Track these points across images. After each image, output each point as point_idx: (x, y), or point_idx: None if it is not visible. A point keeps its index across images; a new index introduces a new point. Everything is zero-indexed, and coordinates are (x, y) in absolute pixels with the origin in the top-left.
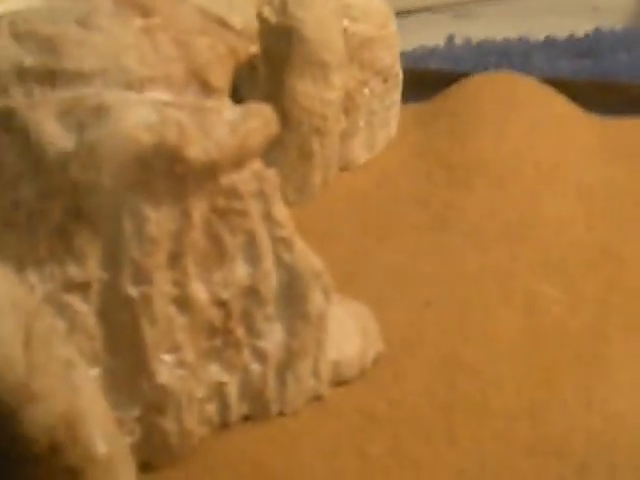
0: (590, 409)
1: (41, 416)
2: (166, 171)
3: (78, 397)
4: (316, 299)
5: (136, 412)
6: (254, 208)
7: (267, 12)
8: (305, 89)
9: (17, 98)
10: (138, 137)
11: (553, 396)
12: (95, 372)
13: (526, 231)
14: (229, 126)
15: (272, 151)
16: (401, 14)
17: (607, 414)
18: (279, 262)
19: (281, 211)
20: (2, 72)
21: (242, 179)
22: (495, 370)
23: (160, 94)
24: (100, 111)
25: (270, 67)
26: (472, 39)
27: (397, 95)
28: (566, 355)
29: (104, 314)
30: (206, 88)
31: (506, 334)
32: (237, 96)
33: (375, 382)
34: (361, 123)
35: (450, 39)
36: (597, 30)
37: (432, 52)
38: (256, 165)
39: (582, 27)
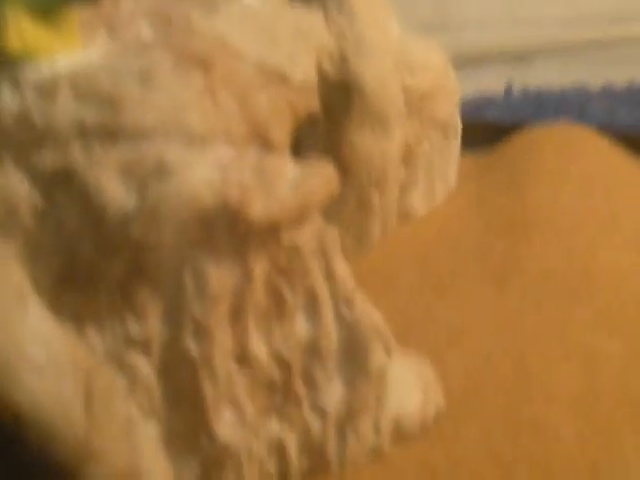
0: None
1: (101, 475)
2: (228, 229)
3: (138, 456)
4: (377, 355)
5: (196, 469)
6: (315, 265)
7: (326, 66)
8: (364, 142)
9: (77, 156)
10: (200, 196)
11: (615, 454)
12: (155, 429)
13: (585, 285)
14: (291, 184)
15: (331, 203)
16: (459, 62)
17: None
18: (340, 319)
19: (342, 268)
20: (63, 129)
21: (303, 237)
22: (556, 427)
23: (221, 151)
24: (161, 169)
25: (329, 120)
26: (530, 87)
27: (456, 147)
28: (627, 413)
29: (164, 371)
30: (267, 144)
31: (566, 390)
32: (296, 149)
33: (436, 438)
34: (420, 175)
35: (508, 88)
36: None
37: (490, 101)
38: (317, 222)
39: None
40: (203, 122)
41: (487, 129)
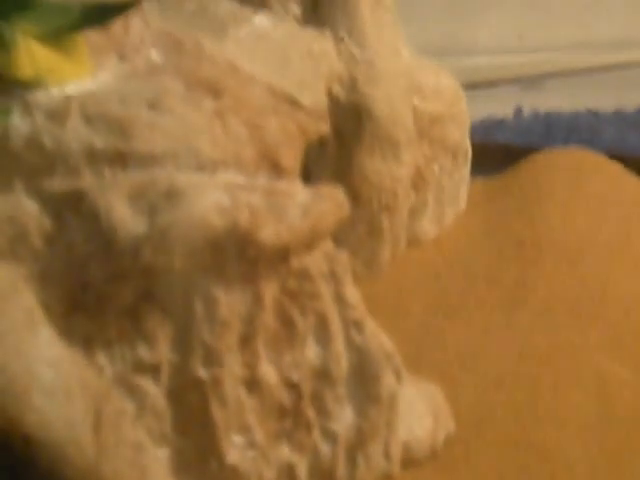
0: None
1: None
2: (238, 254)
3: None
4: (387, 380)
5: None
6: (325, 289)
7: (337, 90)
8: (374, 166)
9: (87, 180)
10: (210, 221)
11: None
12: (164, 453)
13: (596, 310)
14: (301, 209)
15: (341, 227)
16: (469, 86)
17: None
18: (350, 343)
19: (352, 292)
20: (73, 153)
21: (313, 261)
22: (567, 454)
23: (231, 176)
24: (171, 194)
25: (339, 144)
26: (540, 111)
27: (466, 171)
28: (638, 440)
29: (174, 395)
30: (277, 169)
31: (577, 416)
32: (306, 173)
33: (446, 463)
34: (430, 199)
35: (518, 111)
36: None
37: (500, 124)
38: (327, 246)
39: None
40: (213, 147)
41: (497, 152)
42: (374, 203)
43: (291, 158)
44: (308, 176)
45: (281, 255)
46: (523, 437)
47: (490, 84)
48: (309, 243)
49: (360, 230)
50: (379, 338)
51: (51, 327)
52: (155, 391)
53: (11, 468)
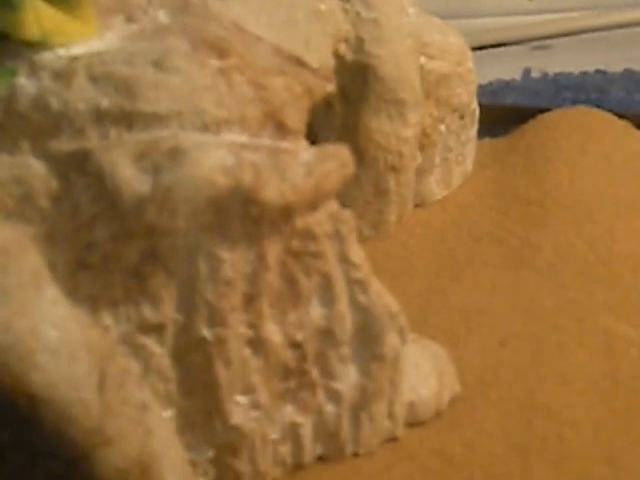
0: None
1: (115, 460)
2: (241, 214)
3: (152, 440)
4: (392, 340)
5: (210, 454)
6: (329, 249)
7: (343, 50)
8: (381, 127)
9: (93, 140)
10: (214, 180)
11: (632, 441)
12: (169, 414)
13: (603, 269)
14: (305, 168)
15: (347, 188)
16: (477, 48)
17: None
18: (354, 303)
19: (357, 252)
20: (79, 114)
21: (317, 220)
22: (572, 413)
23: (236, 136)
24: (176, 154)
25: (346, 105)
26: (549, 72)
27: (473, 131)
28: None
29: (178, 356)
30: (282, 129)
31: (583, 376)
32: (312, 133)
33: (451, 424)
34: (437, 160)
35: (527, 73)
36: None
37: (508, 86)
38: (332, 206)
39: None
40: (218, 106)
41: (505, 114)
42: (380, 164)
43: (296, 118)
44: (315, 138)
45: (285, 214)
46: (529, 397)
47: (498, 45)
48: (313, 202)
49: (366, 191)
50: (384, 298)
51: (57, 287)
52: (160, 351)
53: (16, 428)
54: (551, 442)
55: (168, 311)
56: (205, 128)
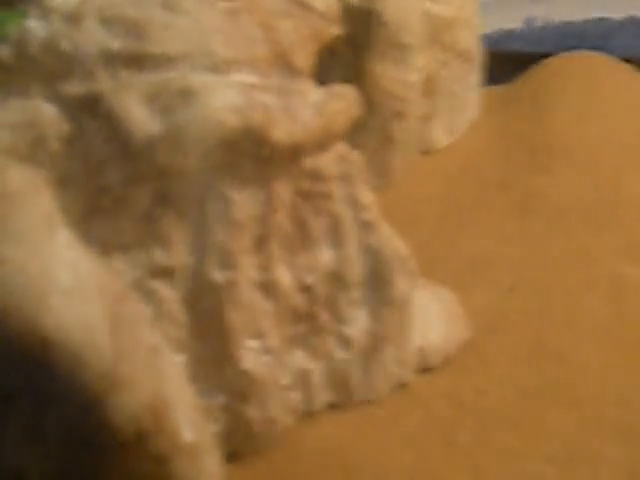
0: None
1: (128, 404)
2: (251, 154)
3: (165, 384)
4: (401, 284)
5: (221, 399)
6: (338, 190)
7: None
8: (386, 72)
9: (104, 82)
10: (225, 120)
11: None
12: (181, 359)
13: (610, 214)
14: (314, 108)
15: (353, 135)
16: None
17: None
18: (364, 246)
19: (365, 194)
20: (89, 56)
21: (326, 161)
22: (581, 356)
23: (245, 76)
24: (186, 94)
25: (350, 50)
26: (552, 21)
27: (477, 77)
28: None
29: (189, 300)
30: (290, 70)
31: (591, 319)
32: (318, 80)
33: (460, 369)
34: (441, 106)
35: (529, 21)
36: None
37: (511, 34)
38: (340, 147)
39: None
40: (227, 47)
41: (510, 60)
42: (385, 110)
43: (304, 59)
44: (320, 83)
45: (294, 155)
46: (537, 341)
47: None
48: (322, 142)
49: (372, 138)
50: (393, 241)
51: (69, 230)
52: (171, 296)
53: (28, 372)
54: (562, 386)
55: (179, 254)
56: (215, 69)
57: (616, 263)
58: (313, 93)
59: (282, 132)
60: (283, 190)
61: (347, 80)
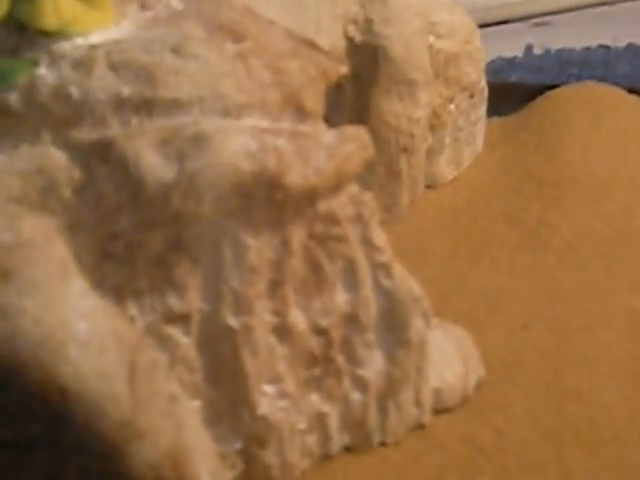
0: None
1: (147, 453)
2: (266, 199)
3: (183, 433)
4: (416, 325)
5: (238, 445)
6: (352, 233)
7: (352, 31)
8: (392, 108)
9: (114, 128)
10: (238, 165)
11: None
12: (196, 405)
13: (622, 247)
14: (327, 151)
15: (362, 170)
16: (479, 26)
17: None
18: (378, 288)
19: (379, 235)
20: (100, 102)
21: (340, 204)
22: (602, 395)
23: (257, 120)
24: (199, 140)
25: (356, 86)
26: (551, 49)
27: (483, 110)
28: None
29: (205, 345)
30: (301, 112)
31: (609, 356)
32: (324, 116)
33: (478, 410)
34: (447, 140)
35: (529, 49)
36: None
37: (511, 63)
38: (353, 189)
39: None
40: (238, 91)
41: (511, 92)
42: (392, 145)
43: (314, 101)
44: (326, 120)
45: (308, 198)
46: (556, 380)
47: (500, 22)
48: (335, 185)
49: (379, 174)
50: (407, 282)
51: (83, 278)
52: (186, 341)
53: (47, 422)
54: (583, 427)
55: (194, 300)
56: (226, 113)
57: (630, 297)
58: (325, 135)
59: (296, 176)
60: (298, 234)
61: (353, 116)
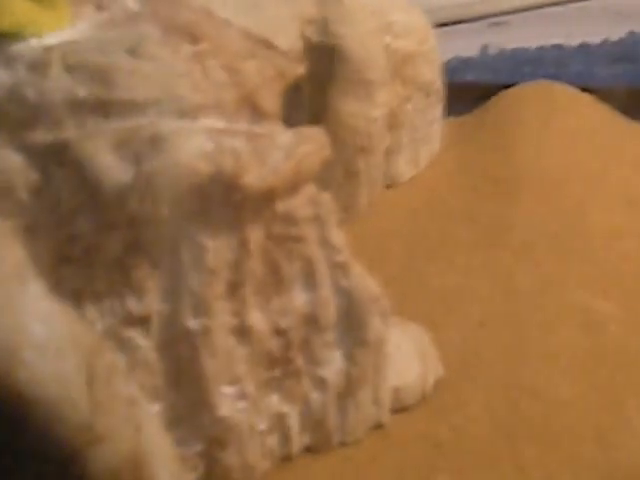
0: None
1: (106, 457)
2: (223, 200)
3: (142, 436)
4: (375, 324)
5: (198, 447)
6: (310, 233)
7: (309, 32)
8: (349, 108)
9: (70, 130)
10: (195, 167)
11: (618, 417)
12: (156, 408)
13: (576, 244)
14: (284, 151)
15: (320, 171)
16: (435, 26)
17: None
18: (337, 288)
19: (337, 235)
20: (55, 104)
21: (297, 204)
22: (557, 391)
23: (214, 121)
24: (155, 141)
25: (314, 87)
26: (506, 48)
27: (439, 110)
28: (627, 374)
29: (164, 348)
30: (258, 113)
31: (565, 353)
32: (281, 116)
33: (437, 408)
34: (405, 139)
35: (484, 49)
36: (631, 34)
37: (467, 62)
38: (311, 190)
39: (616, 32)
40: (194, 92)
41: (466, 91)
42: (350, 145)
43: (271, 101)
44: (284, 121)
45: (266, 199)
46: (512, 377)
47: (455, 22)
48: (293, 186)
49: (337, 174)
50: (365, 281)
51: (40, 281)
52: (146, 344)
53: (3, 428)
54: (538, 423)
55: (153, 302)
56: (183, 114)
57: (586, 295)
58: (282, 136)
59: (253, 177)
60: (256, 235)
61: (310, 116)
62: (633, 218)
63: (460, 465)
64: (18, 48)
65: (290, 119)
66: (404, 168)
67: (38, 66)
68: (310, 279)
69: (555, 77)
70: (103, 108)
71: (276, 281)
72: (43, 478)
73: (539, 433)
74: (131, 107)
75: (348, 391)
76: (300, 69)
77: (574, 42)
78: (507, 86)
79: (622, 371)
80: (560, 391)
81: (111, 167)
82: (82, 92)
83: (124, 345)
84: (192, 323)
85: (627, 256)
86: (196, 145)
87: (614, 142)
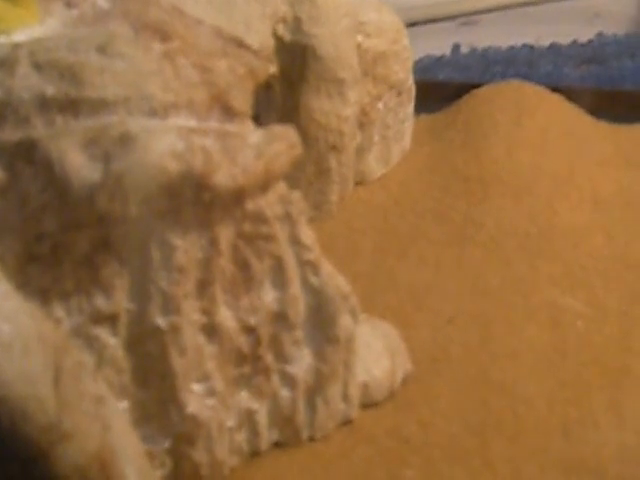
0: (622, 424)
1: (73, 456)
2: (193, 199)
3: (110, 434)
4: (344, 321)
5: (166, 444)
6: (280, 232)
7: (281, 30)
8: (321, 106)
9: (39, 129)
10: (165, 166)
11: (584, 412)
12: (124, 405)
13: (545, 243)
14: (254, 150)
15: (291, 169)
16: (407, 25)
17: (639, 428)
18: (306, 286)
19: (307, 234)
20: (23, 102)
21: (268, 203)
22: (524, 387)
23: (184, 120)
24: (125, 140)
25: (285, 85)
26: (478, 47)
27: (410, 108)
28: (594, 370)
29: (132, 346)
30: (229, 112)
31: (532, 350)
32: (253, 115)
33: (405, 404)
34: (376, 137)
35: (456, 48)
36: (600, 35)
37: (438, 61)
38: (281, 188)
39: (586, 34)
40: (164, 91)
41: (438, 90)
42: (321, 143)
43: (242, 100)
44: (256, 119)
45: (236, 198)
46: (480, 373)
47: (427, 21)
48: (264, 184)
49: (308, 172)
50: (335, 279)
51: (6, 280)
52: (114, 342)
53: None
54: (506, 418)
55: (121, 301)
56: (153, 113)
57: (553, 293)
58: (253, 135)
59: (223, 176)
60: (225, 233)
61: (282, 115)
62: (600, 216)
63: (428, 460)
64: None
65: (261, 118)
66: (375, 166)
67: (6, 63)
68: (280, 277)
69: (526, 77)
70: (72, 106)
71: (246, 279)
72: (9, 477)
73: (507, 428)
74: (101, 106)
75: (317, 388)
76: (271, 68)
77: (545, 42)
78: (478, 85)
79: (588, 367)
80: (527, 387)
81: (80, 166)
82: (51, 90)
83: (92, 343)
84: (161, 321)
85: (594, 254)
86: (166, 144)
87: (582, 142)
